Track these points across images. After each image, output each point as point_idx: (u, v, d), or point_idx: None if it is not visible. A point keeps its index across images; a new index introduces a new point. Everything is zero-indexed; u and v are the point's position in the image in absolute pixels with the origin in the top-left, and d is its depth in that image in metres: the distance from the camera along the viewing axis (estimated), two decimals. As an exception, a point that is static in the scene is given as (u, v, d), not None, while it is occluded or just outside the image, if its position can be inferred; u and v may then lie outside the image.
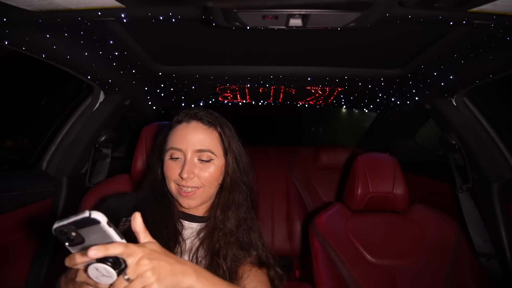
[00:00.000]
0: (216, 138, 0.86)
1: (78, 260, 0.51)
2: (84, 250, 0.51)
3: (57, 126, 1.59)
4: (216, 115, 0.89)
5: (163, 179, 0.89)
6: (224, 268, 0.80)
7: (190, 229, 0.89)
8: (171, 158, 0.84)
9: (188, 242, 0.86)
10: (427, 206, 1.45)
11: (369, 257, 1.32)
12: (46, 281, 1.29)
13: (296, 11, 0.80)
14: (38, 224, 1.42)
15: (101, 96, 1.55)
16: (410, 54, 1.32)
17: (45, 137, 1.61)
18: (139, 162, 1.32)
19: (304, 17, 0.82)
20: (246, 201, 0.90)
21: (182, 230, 0.87)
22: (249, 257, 0.85)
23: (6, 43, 0.99)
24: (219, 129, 0.86)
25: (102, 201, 0.94)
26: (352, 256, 1.31)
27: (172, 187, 0.84)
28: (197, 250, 0.84)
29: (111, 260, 0.51)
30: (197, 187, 0.83)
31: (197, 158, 0.83)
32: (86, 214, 0.50)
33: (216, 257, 0.81)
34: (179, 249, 0.83)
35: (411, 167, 1.91)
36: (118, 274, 0.51)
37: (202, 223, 0.90)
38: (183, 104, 2.16)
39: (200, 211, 0.91)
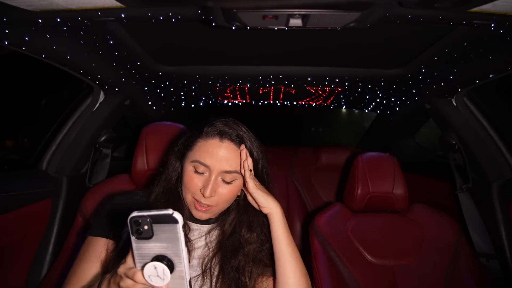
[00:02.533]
0: (238, 155, 0.84)
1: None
2: (148, 245, 0.52)
3: (57, 126, 1.59)
4: (243, 129, 0.87)
5: (177, 181, 0.88)
6: (248, 285, 0.82)
7: (198, 230, 0.89)
8: (196, 171, 0.82)
9: (194, 242, 0.87)
10: (427, 206, 1.45)
11: (369, 257, 1.32)
12: (46, 281, 1.29)
13: (296, 11, 0.80)
14: (38, 224, 1.42)
15: (101, 96, 1.55)
16: (410, 54, 1.32)
17: (45, 137, 1.61)
18: (139, 162, 1.32)
19: (304, 17, 0.82)
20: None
21: (189, 232, 0.88)
22: (269, 272, 0.86)
23: (6, 43, 0.98)
24: (247, 148, 0.84)
25: (108, 198, 0.94)
26: (352, 256, 1.31)
27: (188, 197, 0.84)
28: (210, 260, 0.85)
29: (166, 262, 0.52)
30: (213, 206, 0.83)
31: (221, 178, 0.82)
32: (170, 211, 0.51)
33: (241, 274, 0.82)
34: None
35: (411, 167, 1.91)
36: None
37: (209, 225, 0.91)
38: (183, 104, 2.16)
39: None
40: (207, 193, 0.78)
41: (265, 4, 0.78)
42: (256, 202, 0.84)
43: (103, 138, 1.64)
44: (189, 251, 0.84)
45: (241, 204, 0.90)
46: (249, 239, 0.86)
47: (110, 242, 0.83)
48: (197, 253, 0.86)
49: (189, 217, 0.89)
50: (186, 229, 0.87)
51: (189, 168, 0.83)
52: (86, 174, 1.61)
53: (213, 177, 0.80)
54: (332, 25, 0.85)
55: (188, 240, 0.85)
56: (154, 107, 1.96)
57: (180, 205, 0.88)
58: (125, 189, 1.37)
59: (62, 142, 1.55)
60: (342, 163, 2.29)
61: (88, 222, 1.32)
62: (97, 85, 1.47)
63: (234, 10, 0.79)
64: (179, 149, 0.89)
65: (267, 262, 0.87)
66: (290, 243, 0.82)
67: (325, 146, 2.41)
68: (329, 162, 2.33)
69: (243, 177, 0.84)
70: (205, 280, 0.82)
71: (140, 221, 0.52)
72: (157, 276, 0.51)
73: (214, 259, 0.85)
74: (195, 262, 0.85)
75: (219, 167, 0.80)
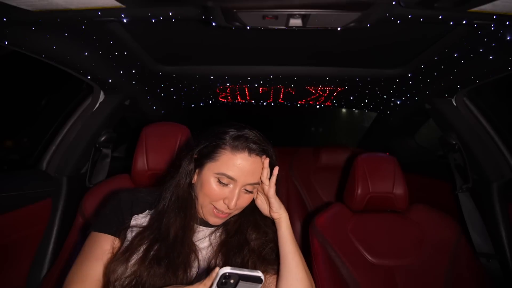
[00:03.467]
0: (261, 167, 0.86)
1: None
2: None
3: (57, 126, 1.59)
4: (269, 144, 0.87)
5: (189, 186, 0.88)
6: None
7: (202, 232, 0.90)
8: (219, 182, 0.81)
9: (198, 243, 0.87)
10: (427, 206, 1.45)
11: (369, 257, 1.32)
12: (46, 281, 1.29)
13: (296, 11, 0.80)
14: (38, 224, 1.42)
15: (101, 96, 1.55)
16: (410, 54, 1.32)
17: (45, 137, 1.61)
18: (139, 162, 1.32)
19: (304, 17, 0.82)
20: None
21: (193, 235, 0.88)
22: (273, 270, 0.89)
23: (6, 43, 0.98)
24: (271, 158, 0.86)
25: (112, 195, 0.93)
26: (352, 256, 1.31)
27: (207, 205, 0.84)
28: (215, 258, 0.86)
29: None
30: (229, 214, 0.85)
31: (244, 188, 0.84)
32: (259, 274, 0.58)
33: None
34: (196, 261, 0.84)
35: (411, 167, 1.90)
36: None
37: (212, 227, 0.91)
38: (183, 104, 2.16)
39: None
40: (232, 205, 0.80)
41: (265, 4, 0.78)
42: (270, 206, 0.89)
43: (103, 138, 1.64)
44: (196, 254, 0.84)
45: (248, 206, 0.90)
46: (254, 237, 0.89)
47: (116, 240, 0.82)
48: (202, 254, 0.86)
49: (198, 220, 0.89)
50: (192, 232, 0.87)
51: (211, 179, 0.82)
52: (86, 174, 1.61)
53: (237, 190, 0.81)
54: (332, 25, 0.85)
55: (192, 243, 0.86)
56: (154, 107, 1.96)
57: (193, 212, 0.87)
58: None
59: (62, 142, 1.55)
60: (342, 163, 2.29)
61: (88, 222, 1.31)
62: (97, 85, 1.47)
63: (234, 10, 0.79)
64: (196, 156, 0.87)
65: (271, 260, 0.88)
66: (295, 244, 0.88)
67: (325, 146, 2.41)
68: (329, 162, 2.33)
69: (262, 183, 0.87)
70: None
71: (231, 276, 0.57)
72: None
73: (218, 257, 0.85)
74: (200, 263, 0.85)
75: (245, 180, 0.82)
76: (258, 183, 0.85)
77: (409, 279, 1.28)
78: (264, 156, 0.85)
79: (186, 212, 0.85)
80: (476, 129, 1.49)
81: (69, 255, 1.28)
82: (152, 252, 0.79)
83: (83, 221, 1.33)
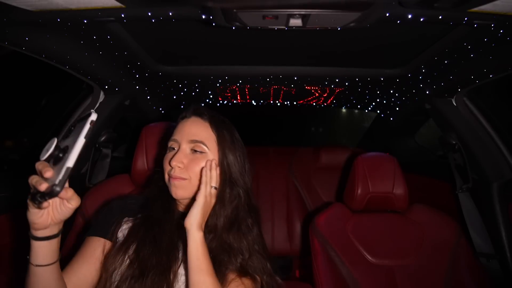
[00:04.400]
0: (213, 135, 0.87)
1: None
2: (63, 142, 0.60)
3: (57, 126, 1.59)
4: (219, 116, 0.91)
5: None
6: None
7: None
8: (169, 149, 0.87)
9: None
10: (427, 206, 1.45)
11: (369, 257, 1.32)
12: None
13: (296, 11, 0.80)
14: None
15: (101, 96, 1.55)
16: (410, 54, 1.32)
17: (45, 137, 1.61)
18: (139, 162, 1.32)
19: (304, 17, 0.82)
20: (240, 203, 0.87)
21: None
22: (232, 264, 0.82)
23: (6, 43, 0.98)
24: (214, 125, 0.87)
25: (105, 203, 0.96)
26: (352, 256, 1.31)
27: (166, 178, 0.86)
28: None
29: (62, 148, 0.59)
30: (184, 178, 0.83)
31: (190, 148, 0.85)
32: (91, 111, 0.60)
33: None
34: (181, 247, 0.84)
35: (411, 167, 1.90)
36: None
37: None
38: (183, 104, 2.16)
39: None
40: (174, 161, 0.81)
41: (265, 4, 0.78)
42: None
43: (103, 138, 1.64)
44: (178, 232, 0.83)
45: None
46: (214, 220, 0.84)
47: (107, 242, 0.84)
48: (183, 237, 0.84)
49: (180, 215, 0.89)
50: (173, 213, 0.88)
51: (167, 151, 0.88)
52: (86, 174, 1.61)
53: (181, 148, 0.84)
54: (332, 25, 0.85)
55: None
56: (154, 107, 1.96)
57: (171, 202, 0.90)
58: (125, 189, 1.37)
59: (62, 142, 1.54)
60: (342, 163, 2.29)
61: (88, 222, 1.31)
62: (97, 85, 1.47)
63: (234, 10, 0.79)
64: (166, 145, 0.92)
65: (232, 249, 0.83)
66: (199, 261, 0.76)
67: (325, 146, 2.41)
68: (329, 162, 2.33)
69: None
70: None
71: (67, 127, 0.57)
72: (46, 149, 0.57)
73: None
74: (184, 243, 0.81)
75: (186, 137, 0.85)
76: (202, 142, 0.84)
77: (409, 279, 1.28)
78: (209, 123, 0.87)
79: (167, 199, 0.88)
80: (476, 129, 1.49)
81: (69, 255, 1.28)
82: (138, 237, 0.82)
83: (83, 221, 1.33)
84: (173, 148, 0.86)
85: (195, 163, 0.83)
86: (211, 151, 0.85)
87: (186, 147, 0.85)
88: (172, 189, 0.84)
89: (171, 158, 0.82)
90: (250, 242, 0.86)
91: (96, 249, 0.83)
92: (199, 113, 0.89)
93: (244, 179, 0.89)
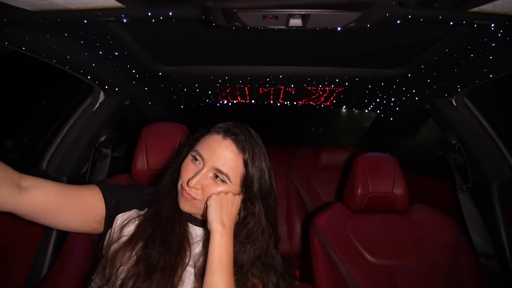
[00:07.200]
0: (242, 169, 0.83)
1: None
2: None
3: (57, 126, 1.59)
4: (257, 143, 0.87)
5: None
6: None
7: (194, 233, 0.90)
8: (192, 159, 0.84)
9: (193, 248, 0.86)
10: (427, 206, 1.45)
11: (369, 257, 1.32)
12: (46, 281, 1.29)
13: (296, 11, 0.80)
14: (38, 224, 1.42)
15: (101, 96, 1.55)
16: (410, 54, 1.32)
17: (45, 137, 1.61)
18: (139, 162, 1.32)
19: (304, 17, 0.82)
20: (266, 238, 0.87)
21: (189, 235, 0.88)
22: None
23: (6, 43, 0.98)
24: (247, 162, 0.83)
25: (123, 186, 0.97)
26: (352, 256, 1.31)
27: (179, 184, 0.85)
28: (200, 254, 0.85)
29: None
30: (196, 199, 0.82)
31: (212, 174, 0.82)
32: None
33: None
34: (188, 250, 0.84)
35: (411, 167, 1.90)
36: None
37: (203, 228, 0.90)
38: (183, 104, 2.16)
39: (200, 216, 0.91)
40: (192, 182, 0.79)
41: (265, 4, 0.78)
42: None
43: (103, 138, 1.64)
44: (191, 254, 0.84)
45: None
46: (239, 254, 0.84)
47: (102, 204, 0.85)
48: (193, 259, 0.84)
49: (187, 215, 0.90)
50: (182, 215, 0.88)
51: (187, 158, 0.85)
52: (86, 174, 1.61)
53: (204, 170, 0.81)
54: (332, 25, 0.85)
55: (191, 241, 0.86)
56: (154, 107, 1.96)
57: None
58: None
59: (62, 142, 1.54)
60: (342, 163, 2.29)
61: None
62: (97, 85, 1.47)
63: (234, 10, 0.79)
64: (189, 143, 0.91)
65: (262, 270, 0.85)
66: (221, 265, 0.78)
67: (325, 146, 2.41)
68: (329, 162, 2.33)
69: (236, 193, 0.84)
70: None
71: None
72: None
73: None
74: (191, 270, 0.83)
75: (213, 162, 0.81)
76: (227, 175, 0.81)
77: (409, 279, 1.28)
78: (242, 156, 0.82)
79: (176, 195, 0.88)
80: (476, 129, 1.49)
81: (69, 255, 1.28)
82: (147, 235, 0.82)
83: (83, 221, 1.33)
84: (196, 160, 0.83)
85: (213, 187, 0.81)
86: (234, 184, 0.83)
87: (209, 171, 0.81)
88: (181, 200, 0.84)
89: (192, 178, 0.80)
90: (272, 274, 0.87)
91: (91, 202, 0.83)
92: (236, 140, 0.83)
93: (274, 214, 0.89)
